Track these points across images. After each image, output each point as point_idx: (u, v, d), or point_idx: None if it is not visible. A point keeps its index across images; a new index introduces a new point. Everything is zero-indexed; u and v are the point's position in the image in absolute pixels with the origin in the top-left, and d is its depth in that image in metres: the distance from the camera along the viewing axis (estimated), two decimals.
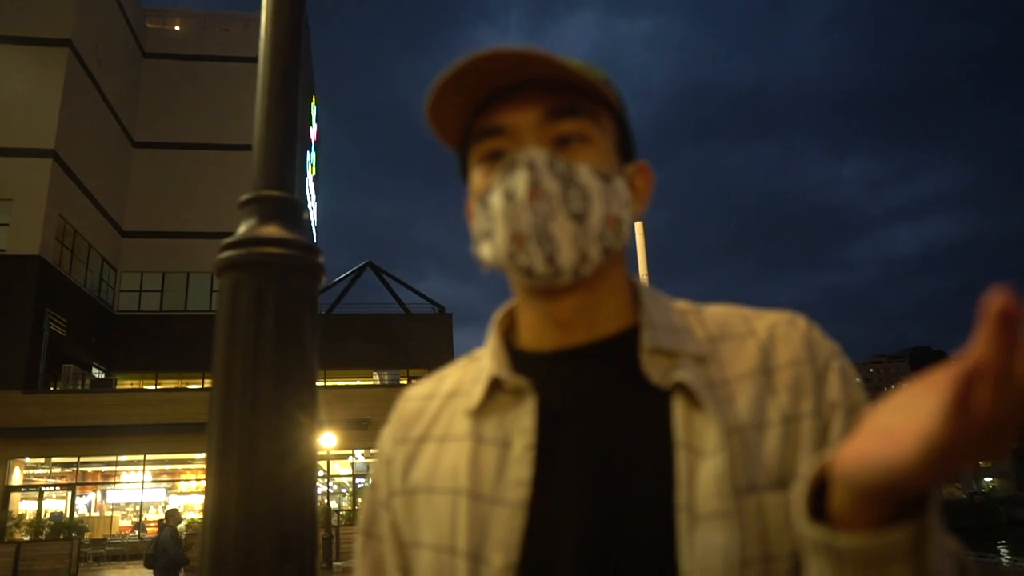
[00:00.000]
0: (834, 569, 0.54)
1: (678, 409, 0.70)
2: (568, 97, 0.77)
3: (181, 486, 24.31)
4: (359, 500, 24.14)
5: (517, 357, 0.81)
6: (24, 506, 21.88)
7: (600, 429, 0.72)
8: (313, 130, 41.19)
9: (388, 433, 0.88)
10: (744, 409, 0.70)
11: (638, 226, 11.13)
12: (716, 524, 0.65)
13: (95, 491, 23.78)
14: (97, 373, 28.01)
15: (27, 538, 18.88)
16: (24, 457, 21.72)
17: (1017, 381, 0.40)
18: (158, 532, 11.30)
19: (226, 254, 1.59)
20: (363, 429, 22.01)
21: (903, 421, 0.46)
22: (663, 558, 0.65)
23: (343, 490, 25.02)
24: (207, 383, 26.62)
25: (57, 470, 22.96)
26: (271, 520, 1.41)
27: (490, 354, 0.82)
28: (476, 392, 0.79)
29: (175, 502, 23.88)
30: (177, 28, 34.19)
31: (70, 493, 22.45)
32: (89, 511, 23.11)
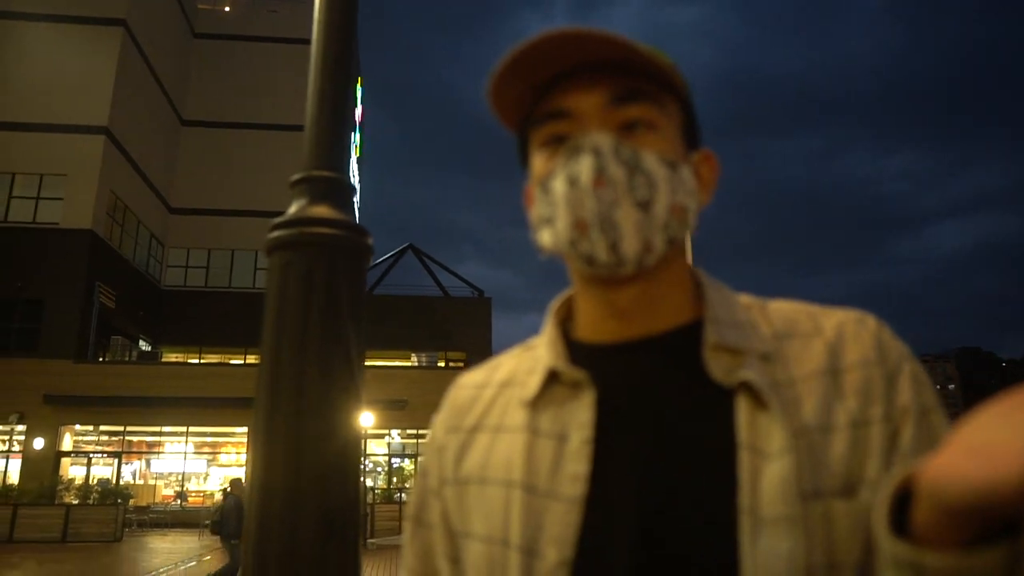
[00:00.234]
0: None
1: (742, 408, 0.68)
2: (635, 81, 0.75)
3: (221, 458, 24.89)
4: (394, 479, 24.49)
5: (575, 348, 0.79)
6: (73, 471, 22.67)
7: (660, 426, 0.70)
8: (358, 111, 41.50)
9: (440, 421, 0.87)
10: (810, 411, 0.68)
11: None
12: (781, 529, 0.62)
13: (140, 460, 24.50)
14: (144, 346, 28.75)
15: (76, 502, 19.53)
16: (74, 424, 22.47)
17: None
18: (223, 500, 11.65)
19: (276, 233, 1.61)
20: (400, 410, 22.27)
21: (1005, 439, 0.43)
22: (723, 562, 0.63)
23: (379, 469, 25.37)
24: (249, 359, 27.21)
25: (104, 438, 23.71)
26: (315, 499, 1.43)
27: (547, 344, 0.80)
28: (532, 383, 0.78)
29: (215, 474, 24.50)
30: (227, 9, 34.59)
31: (116, 460, 23.21)
32: (134, 479, 23.85)
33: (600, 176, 0.70)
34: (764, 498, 0.64)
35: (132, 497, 21.49)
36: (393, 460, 25.25)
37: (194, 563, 13.75)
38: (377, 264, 33.90)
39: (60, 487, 20.41)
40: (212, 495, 23.85)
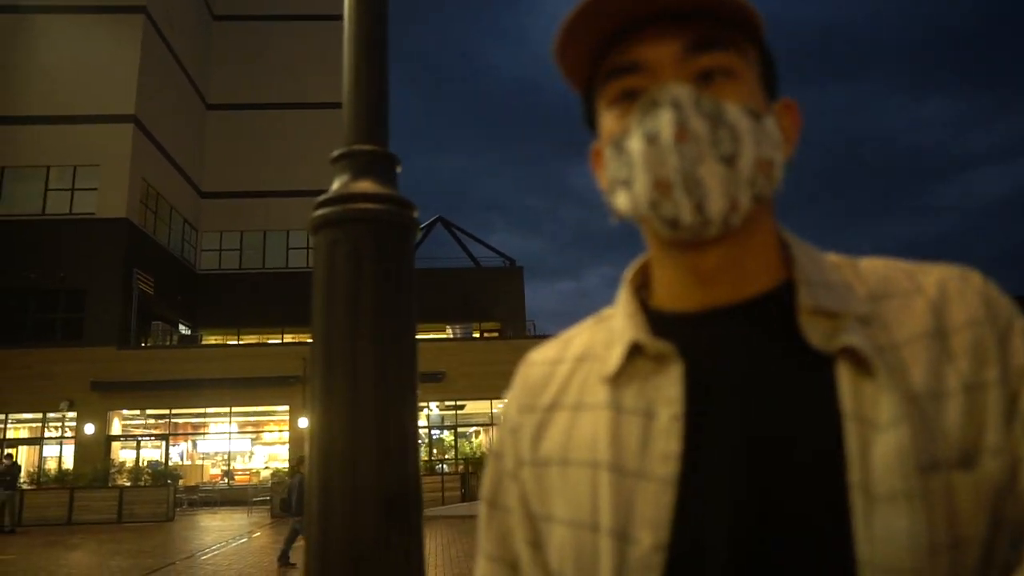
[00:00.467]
0: None
1: (844, 376, 0.62)
2: (710, 27, 0.68)
3: (265, 437, 25.41)
4: (434, 451, 24.77)
5: (655, 318, 0.74)
6: (124, 455, 23.32)
7: (754, 398, 0.65)
8: None
9: (513, 400, 0.82)
10: (919, 377, 0.62)
11: None
12: (899, 506, 0.57)
13: (186, 441, 25.12)
14: (183, 330, 29.28)
15: (128, 484, 20.10)
16: (121, 409, 23.04)
17: None
18: (291, 478, 11.97)
19: (321, 211, 1.57)
20: (437, 382, 22.45)
21: None
22: (834, 542, 0.58)
23: (419, 441, 25.66)
24: (286, 338, 27.58)
25: (151, 421, 24.31)
26: (376, 479, 1.40)
27: (625, 316, 0.75)
28: (613, 358, 0.72)
29: (260, 452, 25.02)
30: None
31: (164, 443, 23.82)
32: (182, 460, 24.49)
33: (682, 130, 0.64)
34: (877, 472, 0.58)
35: (181, 477, 22.07)
36: (433, 432, 25.50)
37: (245, 539, 14.08)
38: None
39: (112, 470, 21.02)
40: (258, 473, 24.42)
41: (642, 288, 0.79)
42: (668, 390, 0.67)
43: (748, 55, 0.71)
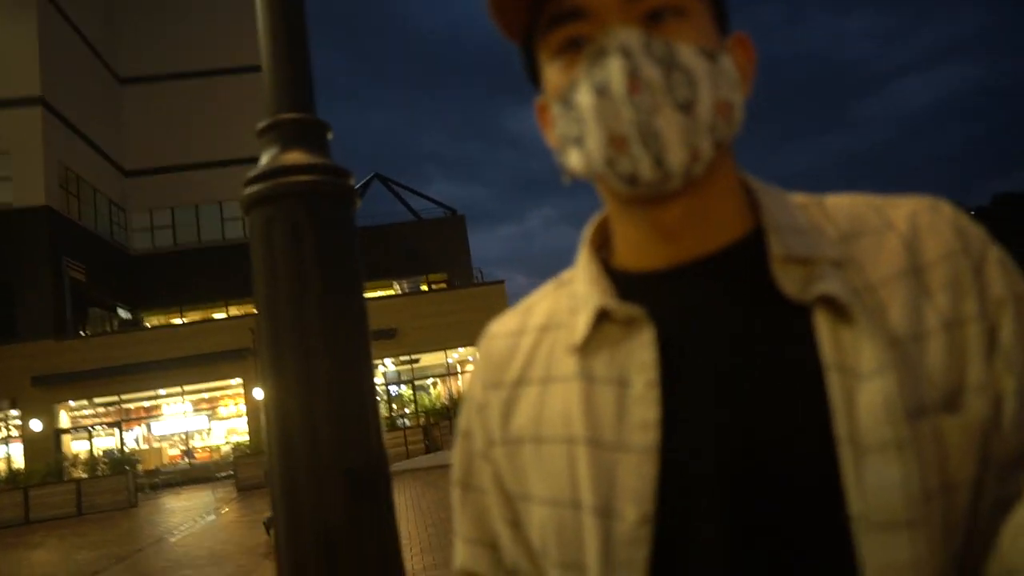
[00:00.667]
0: None
1: (822, 325, 0.60)
2: None
3: (221, 411, 25.09)
4: (393, 406, 24.82)
5: (619, 279, 0.70)
6: (76, 446, 22.76)
7: (731, 356, 0.63)
8: None
9: (477, 376, 0.79)
10: (898, 318, 0.61)
11: None
12: (889, 455, 0.56)
13: (140, 425, 24.64)
14: (123, 314, 28.43)
15: (85, 475, 19.69)
16: (67, 401, 22.41)
17: None
18: None
19: (252, 189, 1.49)
20: (390, 338, 22.39)
21: None
22: (825, 498, 0.57)
23: (378, 399, 25.64)
24: (231, 311, 27.08)
25: (101, 409, 23.74)
26: (338, 458, 1.37)
27: (587, 279, 0.71)
28: (579, 325, 0.69)
29: (218, 428, 24.75)
30: None
31: (117, 430, 23.33)
32: (138, 444, 24.06)
33: (634, 79, 0.60)
34: (864, 423, 0.57)
35: (139, 462, 21.68)
36: (391, 388, 25.50)
37: (213, 517, 13.99)
38: None
39: (67, 463, 20.51)
40: (219, 448, 24.17)
41: (602, 247, 0.76)
42: (641, 355, 0.65)
43: None
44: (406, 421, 23.55)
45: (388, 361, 24.62)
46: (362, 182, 34.50)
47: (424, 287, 30.68)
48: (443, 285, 30.56)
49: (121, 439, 23.25)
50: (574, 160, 0.66)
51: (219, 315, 27.52)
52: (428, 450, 18.91)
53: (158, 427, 24.83)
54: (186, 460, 23.88)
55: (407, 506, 11.39)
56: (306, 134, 1.56)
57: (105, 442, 23.38)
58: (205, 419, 25.11)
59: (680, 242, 0.67)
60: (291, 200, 1.48)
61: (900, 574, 0.55)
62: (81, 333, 24.43)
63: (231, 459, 20.76)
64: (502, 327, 0.80)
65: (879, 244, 0.65)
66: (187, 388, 23.64)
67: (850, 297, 0.60)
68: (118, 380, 21.86)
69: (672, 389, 0.63)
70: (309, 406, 1.43)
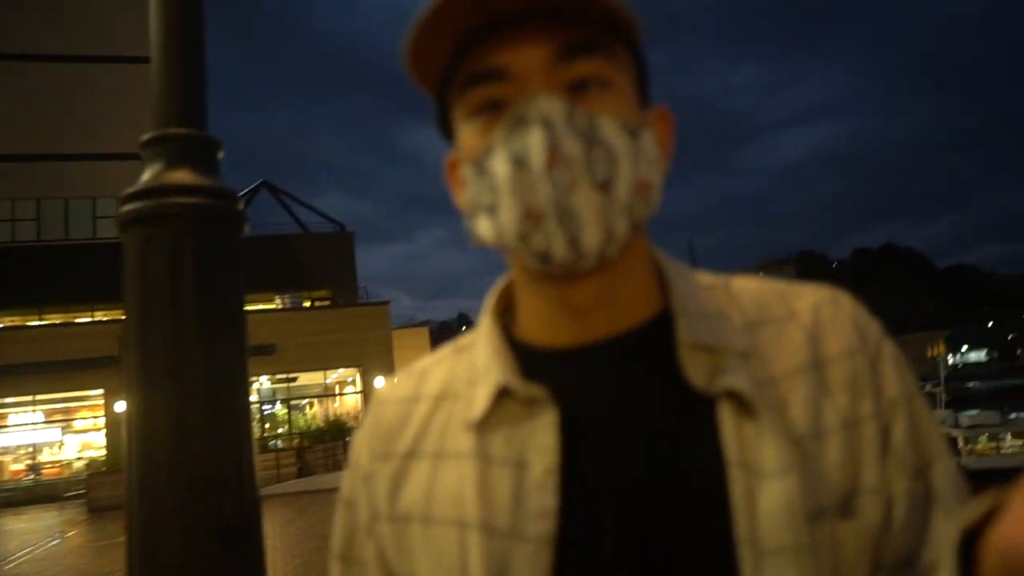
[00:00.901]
0: None
1: (726, 419, 0.59)
2: (583, 30, 0.61)
3: (77, 424, 23.32)
4: (267, 426, 23.90)
5: (523, 353, 0.67)
6: None
7: (635, 446, 0.61)
8: None
9: (364, 442, 0.74)
10: (799, 415, 0.61)
11: None
12: (788, 559, 0.55)
13: None
14: None
15: None
16: None
17: None
18: None
19: (130, 207, 1.37)
20: (268, 355, 21.59)
21: None
22: None
23: (252, 429, 24.65)
24: (97, 315, 25.36)
25: None
26: (208, 506, 1.26)
27: (489, 351, 0.68)
28: (478, 401, 0.66)
29: (71, 442, 22.99)
30: None
31: None
32: None
33: (554, 153, 0.57)
34: (765, 525, 0.56)
35: None
36: (264, 407, 24.56)
37: (56, 541, 12.89)
38: None
39: None
40: (70, 464, 22.39)
41: (505, 312, 0.73)
42: (542, 438, 0.62)
43: (622, 60, 0.64)
44: (279, 443, 22.71)
45: (264, 378, 23.74)
46: (249, 188, 33.34)
47: (307, 303, 29.87)
48: (327, 302, 29.87)
49: None
50: (484, 228, 0.63)
51: (83, 319, 25.68)
52: (300, 474, 18.28)
53: (2, 438, 22.77)
54: (31, 476, 21.94)
55: (274, 534, 10.91)
56: (195, 152, 1.45)
57: None
58: (58, 431, 23.22)
59: (589, 321, 0.65)
60: (173, 222, 1.37)
61: None
62: None
63: (84, 476, 19.22)
64: (394, 392, 0.75)
65: (783, 335, 0.65)
66: (40, 397, 21.83)
67: (755, 393, 0.60)
68: None
69: (572, 476, 0.61)
70: (181, 448, 1.31)
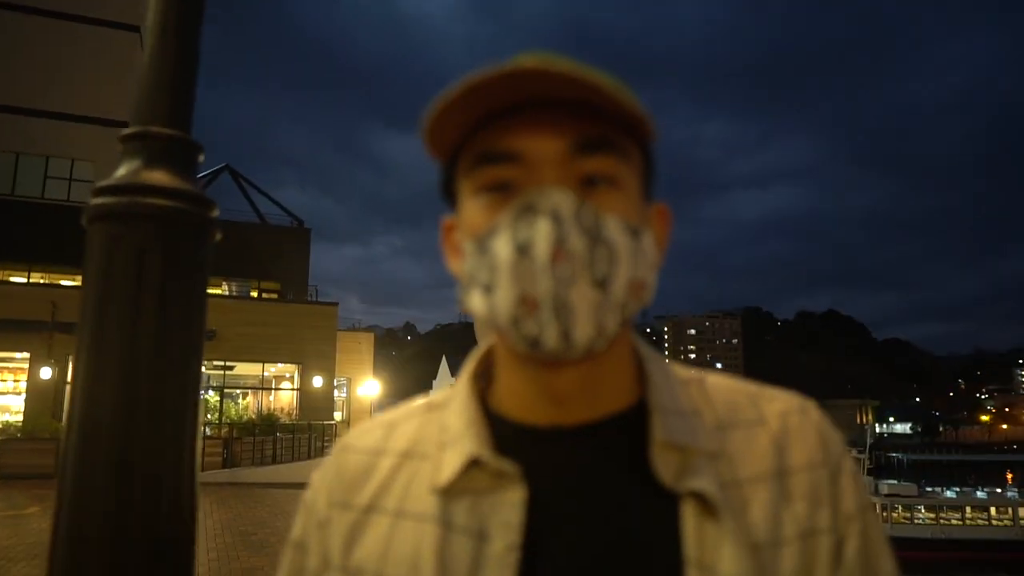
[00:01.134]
0: None
1: (689, 519, 0.61)
2: (600, 127, 0.63)
3: None
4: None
5: (496, 424, 0.68)
6: None
7: (597, 534, 0.62)
8: None
9: (322, 487, 0.74)
10: (759, 521, 0.63)
11: None
12: None
13: None
14: None
15: None
16: None
17: None
18: None
19: (101, 200, 1.34)
20: (209, 340, 21.04)
21: None
22: None
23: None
24: (34, 277, 24.49)
25: None
26: (143, 543, 1.22)
27: (463, 419, 0.69)
28: (446, 466, 0.66)
29: None
30: None
31: None
32: None
33: (559, 248, 0.59)
34: None
35: None
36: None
37: None
38: None
39: None
40: None
41: (481, 376, 0.74)
42: (506, 514, 0.62)
43: (632, 159, 0.66)
44: (207, 430, 22.14)
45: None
46: (211, 171, 32.69)
47: (254, 292, 29.33)
48: (274, 295, 29.37)
49: None
50: (477, 304, 0.64)
51: (18, 279, 24.78)
52: (225, 464, 17.82)
53: None
54: None
55: None
56: (176, 153, 1.42)
57: None
58: None
59: (567, 406, 0.66)
60: (144, 223, 1.34)
61: None
62: None
63: None
64: (360, 441, 0.75)
65: (751, 439, 0.68)
66: None
67: (719, 495, 0.62)
68: None
69: (532, 557, 0.61)
70: (123, 458, 1.27)
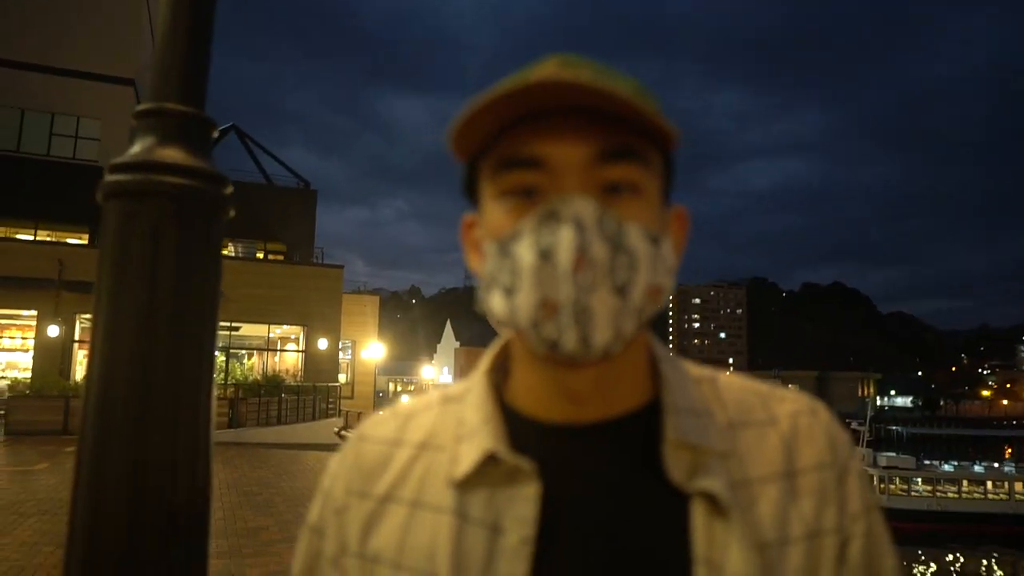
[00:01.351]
0: None
1: (699, 517, 0.63)
2: (625, 136, 0.64)
3: (3, 342, 22.62)
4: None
5: (512, 420, 0.70)
6: None
7: (609, 529, 0.64)
8: None
9: (340, 475, 0.76)
10: (767, 520, 0.65)
11: None
12: None
13: None
14: None
15: None
16: None
17: None
18: None
19: (116, 177, 1.35)
20: None
21: None
22: None
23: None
24: (40, 234, 24.55)
25: None
26: (160, 504, 1.25)
27: (480, 415, 0.71)
28: (462, 459, 0.68)
29: None
30: None
31: None
32: None
33: (582, 256, 0.60)
34: None
35: None
36: None
37: None
38: None
39: None
40: None
41: (496, 370, 0.75)
42: (521, 509, 0.65)
43: (654, 166, 0.67)
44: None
45: None
46: (219, 130, 32.49)
47: (260, 254, 29.40)
48: (280, 257, 29.44)
49: None
50: (497, 304, 0.65)
51: (25, 236, 24.84)
52: (231, 424, 18.04)
53: None
54: None
55: None
56: (191, 131, 1.43)
57: None
58: None
59: (582, 404, 0.68)
60: (158, 200, 1.35)
61: None
62: None
63: (5, 396, 18.60)
64: (377, 431, 0.77)
65: (761, 440, 0.69)
66: None
67: (728, 495, 0.64)
68: None
69: (545, 550, 0.63)
70: (140, 437, 1.30)
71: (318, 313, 24.57)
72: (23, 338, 22.12)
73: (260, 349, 26.58)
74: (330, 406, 23.42)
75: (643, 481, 0.66)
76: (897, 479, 30.39)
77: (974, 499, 29.72)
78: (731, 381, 0.75)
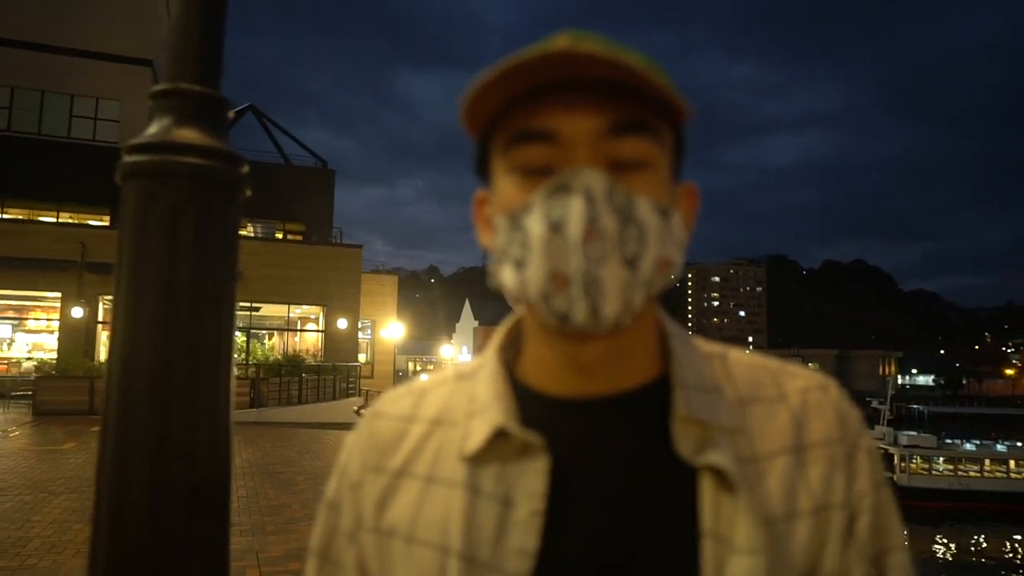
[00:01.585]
0: None
1: (706, 491, 0.64)
2: (636, 109, 0.64)
3: (30, 324, 22.99)
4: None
5: (523, 396, 0.71)
6: None
7: (618, 503, 0.65)
8: None
9: (356, 451, 0.77)
10: (775, 495, 0.65)
11: None
12: None
13: None
14: None
15: None
16: None
17: None
18: None
19: (134, 158, 1.35)
20: (235, 281, 21.37)
21: None
22: None
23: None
24: (63, 216, 24.83)
25: None
26: (182, 482, 1.27)
27: (491, 391, 0.71)
28: (473, 435, 0.69)
29: (22, 340, 22.70)
30: None
31: None
32: None
33: (591, 227, 0.60)
34: None
35: None
36: None
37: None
38: None
39: None
40: (19, 363, 22.12)
41: (508, 347, 0.76)
42: (531, 482, 0.65)
43: (665, 140, 0.67)
44: (235, 371, 22.62)
45: None
46: (236, 110, 32.59)
47: (279, 234, 29.58)
48: (299, 237, 29.59)
49: None
50: (508, 277, 0.66)
51: (47, 218, 25.13)
52: (252, 404, 18.27)
53: None
54: None
55: None
56: (206, 111, 1.43)
57: None
58: (9, 328, 22.88)
59: (592, 377, 0.68)
60: (176, 181, 1.36)
61: None
62: None
63: (32, 376, 18.91)
64: (392, 408, 0.78)
65: (771, 416, 0.69)
66: None
67: (736, 471, 0.64)
68: None
69: (554, 522, 0.64)
70: (160, 426, 1.31)
71: (337, 293, 24.70)
72: (48, 320, 22.45)
73: (280, 329, 26.84)
74: (350, 385, 23.63)
75: (652, 455, 0.66)
76: (918, 458, 30.23)
77: (996, 478, 29.52)
78: (741, 357, 0.75)
